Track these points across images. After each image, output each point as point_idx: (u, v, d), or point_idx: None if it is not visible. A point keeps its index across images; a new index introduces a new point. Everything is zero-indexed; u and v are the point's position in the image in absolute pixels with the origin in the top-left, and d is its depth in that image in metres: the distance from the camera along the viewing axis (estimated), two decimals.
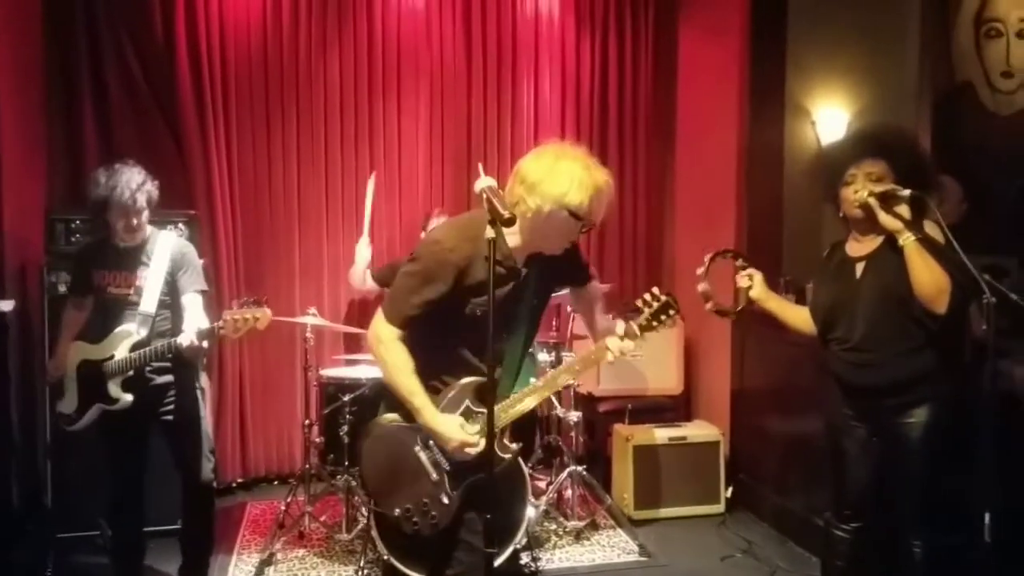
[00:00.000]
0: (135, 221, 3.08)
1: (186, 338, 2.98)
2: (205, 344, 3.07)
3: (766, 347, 4.44)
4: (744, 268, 2.93)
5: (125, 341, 3.04)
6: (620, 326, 2.33)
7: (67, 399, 3.15)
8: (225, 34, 4.64)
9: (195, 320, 3.09)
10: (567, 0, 5.19)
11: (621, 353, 2.32)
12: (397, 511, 2.30)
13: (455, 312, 2.27)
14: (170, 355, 3.05)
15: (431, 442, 2.30)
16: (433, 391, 2.30)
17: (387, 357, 2.31)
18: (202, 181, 4.59)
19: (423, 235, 4.00)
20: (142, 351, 3.02)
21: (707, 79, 5.07)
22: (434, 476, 2.30)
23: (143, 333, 3.07)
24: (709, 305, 2.93)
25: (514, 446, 2.38)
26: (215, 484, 3.33)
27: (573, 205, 2.19)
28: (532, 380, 3.99)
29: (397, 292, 2.32)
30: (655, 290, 2.36)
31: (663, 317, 2.34)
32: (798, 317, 2.96)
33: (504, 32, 5.11)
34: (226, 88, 4.66)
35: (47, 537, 3.75)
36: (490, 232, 2.00)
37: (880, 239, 2.67)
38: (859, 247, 2.77)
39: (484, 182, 2.10)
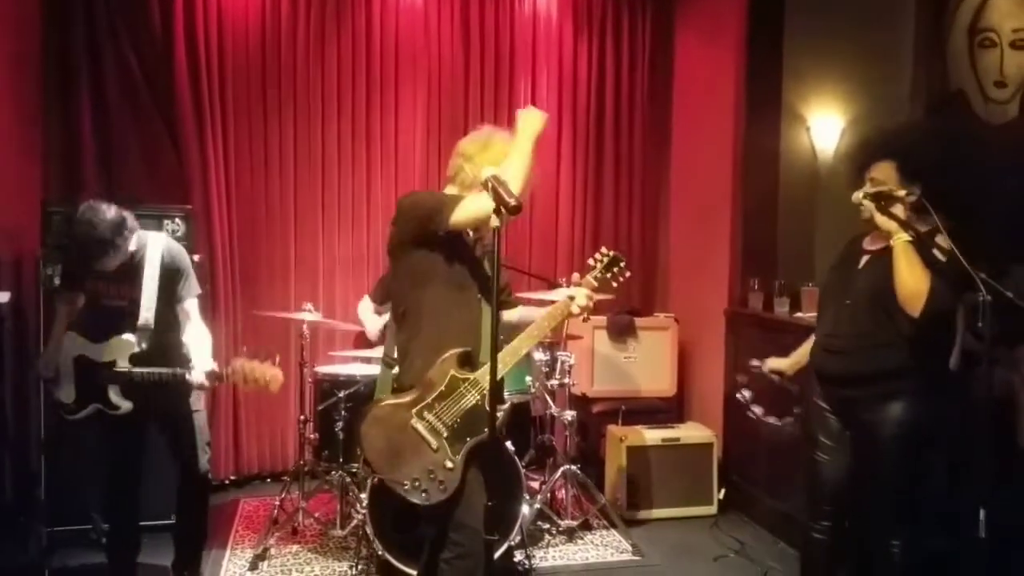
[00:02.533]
0: (110, 265, 2.98)
1: (197, 376, 3.00)
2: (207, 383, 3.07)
3: (759, 350, 4.45)
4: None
5: (126, 351, 3.01)
6: (576, 278, 2.56)
7: (65, 390, 3.08)
8: (223, 30, 4.64)
9: (196, 332, 3.12)
10: (565, 2, 5.21)
11: (586, 303, 2.54)
12: (406, 483, 2.39)
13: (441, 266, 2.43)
14: (173, 380, 3.02)
15: (425, 412, 2.41)
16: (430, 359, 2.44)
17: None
18: (198, 176, 4.59)
19: None
20: (148, 372, 2.98)
21: (703, 83, 5.09)
22: (434, 444, 2.41)
23: (144, 346, 3.03)
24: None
25: (505, 406, 2.54)
26: (210, 476, 3.32)
27: None
28: (528, 379, 4.05)
29: (434, 200, 2.42)
30: (603, 248, 2.60)
31: (614, 269, 2.58)
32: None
33: (502, 32, 5.13)
34: (223, 84, 4.66)
35: (40, 531, 3.72)
36: (495, 221, 2.05)
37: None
38: (872, 242, 2.82)
39: (488, 171, 2.21)
